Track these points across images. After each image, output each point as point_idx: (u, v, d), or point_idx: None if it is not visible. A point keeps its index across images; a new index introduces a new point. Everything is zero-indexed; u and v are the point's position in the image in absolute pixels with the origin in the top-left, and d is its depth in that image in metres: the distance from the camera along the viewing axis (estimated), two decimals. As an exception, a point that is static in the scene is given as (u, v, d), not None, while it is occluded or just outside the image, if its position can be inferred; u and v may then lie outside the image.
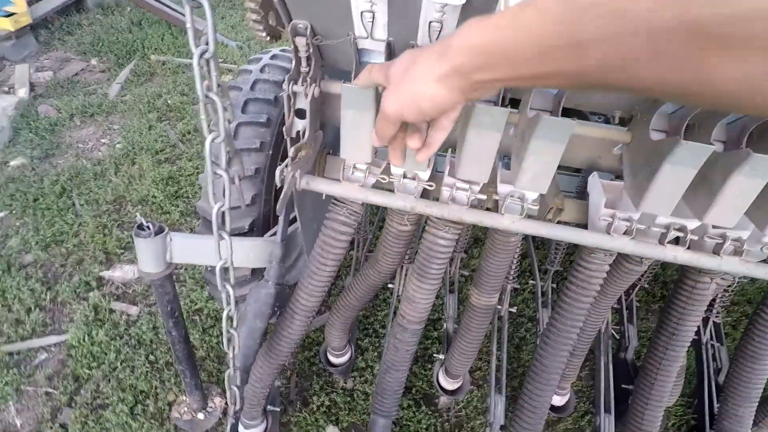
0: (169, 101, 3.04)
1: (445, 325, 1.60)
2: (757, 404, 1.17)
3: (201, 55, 0.56)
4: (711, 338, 1.46)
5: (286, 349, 1.13)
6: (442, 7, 0.69)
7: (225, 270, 0.81)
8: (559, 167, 1.27)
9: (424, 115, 0.54)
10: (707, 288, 0.99)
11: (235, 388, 0.96)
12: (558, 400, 1.39)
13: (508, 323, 1.53)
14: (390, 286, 1.60)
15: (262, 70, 1.27)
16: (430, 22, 0.72)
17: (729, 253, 0.89)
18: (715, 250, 0.90)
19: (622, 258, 1.05)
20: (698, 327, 1.48)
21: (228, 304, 0.83)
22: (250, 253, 1.08)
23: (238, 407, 1.00)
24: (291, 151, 0.80)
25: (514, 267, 1.44)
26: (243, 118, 1.16)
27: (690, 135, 0.87)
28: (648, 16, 0.33)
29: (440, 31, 0.73)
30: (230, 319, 0.85)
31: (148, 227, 0.99)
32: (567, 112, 1.32)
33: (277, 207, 0.86)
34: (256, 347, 1.02)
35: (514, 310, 1.52)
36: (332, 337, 1.36)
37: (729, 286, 1.41)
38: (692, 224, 0.88)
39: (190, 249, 1.03)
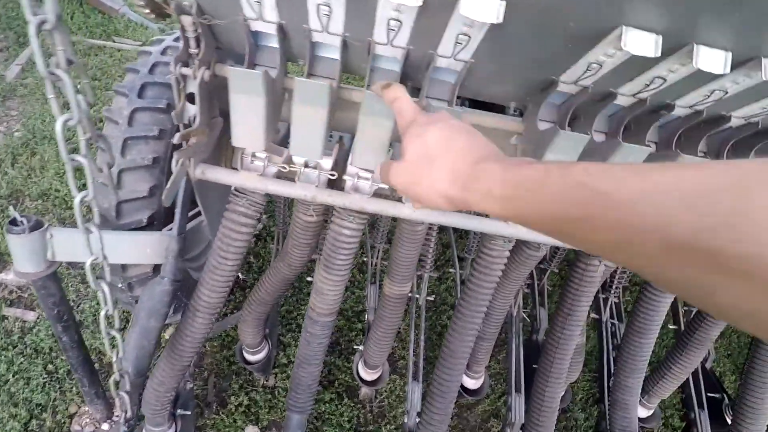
0: (77, 86, 2.78)
1: (367, 316, 1.60)
2: (644, 375, 1.27)
3: (39, 26, 0.50)
4: (611, 317, 1.58)
5: (189, 349, 1.07)
6: (398, 6, 0.66)
7: (98, 266, 0.75)
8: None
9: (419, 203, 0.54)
10: (596, 270, 1.06)
11: (124, 395, 0.90)
12: (472, 384, 1.44)
13: (427, 311, 1.56)
14: (310, 279, 1.58)
15: (163, 52, 1.19)
16: (389, 20, 0.70)
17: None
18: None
19: (522, 244, 1.10)
20: (599, 306, 1.60)
21: (105, 303, 0.76)
22: (146, 248, 1.01)
23: (129, 415, 0.93)
24: (176, 138, 0.75)
25: (431, 256, 1.46)
26: (139, 102, 1.08)
27: (575, 125, 0.92)
28: (667, 229, 0.29)
29: (398, 31, 0.71)
30: (108, 318, 0.78)
31: (22, 222, 0.89)
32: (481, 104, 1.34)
33: (163, 198, 0.81)
34: (152, 348, 0.96)
35: (432, 298, 1.55)
36: (246, 334, 1.32)
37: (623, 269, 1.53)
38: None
39: (74, 245, 0.94)
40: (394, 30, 0.72)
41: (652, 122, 0.85)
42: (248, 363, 1.42)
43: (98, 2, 3.36)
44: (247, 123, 0.76)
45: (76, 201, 0.66)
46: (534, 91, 0.86)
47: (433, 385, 1.16)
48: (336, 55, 0.80)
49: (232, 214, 0.96)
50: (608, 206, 0.32)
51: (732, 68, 0.65)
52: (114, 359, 0.83)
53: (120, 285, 1.15)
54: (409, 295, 1.51)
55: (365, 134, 0.77)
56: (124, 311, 1.70)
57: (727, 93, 0.74)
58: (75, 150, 0.72)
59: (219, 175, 0.90)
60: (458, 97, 1.08)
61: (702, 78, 0.71)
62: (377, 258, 1.73)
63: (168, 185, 0.79)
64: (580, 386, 1.75)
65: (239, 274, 1.77)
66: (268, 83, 0.75)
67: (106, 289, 0.74)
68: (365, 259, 1.70)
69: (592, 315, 1.59)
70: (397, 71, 0.81)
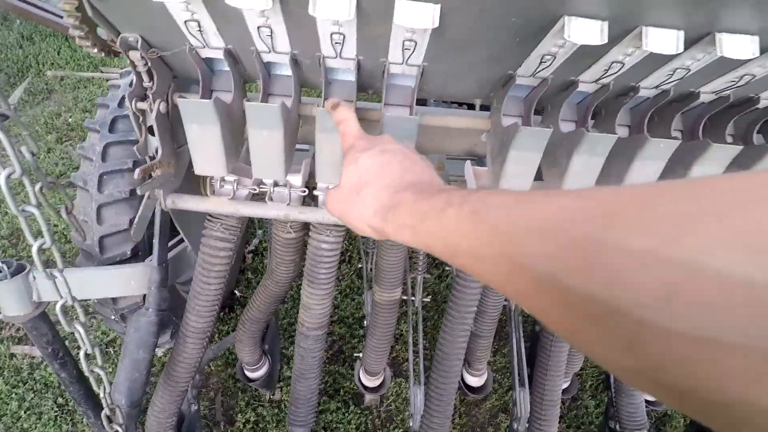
0: (70, 120, 2.83)
1: (365, 322, 1.60)
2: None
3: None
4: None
5: (184, 374, 1.08)
6: (335, 20, 0.65)
7: (69, 308, 0.75)
8: (451, 156, 1.29)
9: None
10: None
11: (118, 428, 0.91)
12: (475, 381, 1.43)
13: (428, 311, 1.56)
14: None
15: (131, 85, 1.19)
16: (332, 34, 0.69)
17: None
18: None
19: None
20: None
21: (83, 342, 0.77)
22: (130, 280, 1.02)
23: (126, 446, 0.95)
24: (136, 173, 0.76)
25: (422, 258, 1.45)
26: (111, 137, 1.09)
27: (544, 117, 0.90)
28: (535, 264, 0.27)
29: (343, 44, 0.70)
30: (88, 357, 0.79)
31: (2, 268, 0.91)
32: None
33: (132, 232, 0.81)
34: (143, 379, 0.97)
35: (428, 299, 1.54)
36: (243, 353, 1.32)
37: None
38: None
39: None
40: (339, 43, 0.71)
41: (620, 107, 0.83)
42: (250, 380, 1.43)
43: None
44: (206, 151, 0.76)
45: (34, 249, 0.67)
46: (495, 87, 0.85)
47: (430, 387, 1.15)
48: (289, 72, 0.79)
49: (208, 239, 0.96)
50: (493, 238, 0.30)
51: (687, 46, 0.63)
52: (102, 395, 0.83)
53: (113, 317, 1.16)
54: (404, 298, 1.50)
55: (323, 150, 0.76)
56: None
57: (689, 71, 0.72)
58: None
59: (189, 203, 0.90)
60: (428, 100, 1.06)
61: (661, 58, 0.69)
62: (372, 264, 1.72)
63: (136, 220, 0.79)
64: (589, 373, 1.73)
65: (236, 292, 1.78)
66: (221, 110, 0.75)
67: (81, 330, 0.74)
68: (361, 266, 1.70)
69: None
70: (352, 81, 0.81)
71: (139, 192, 0.76)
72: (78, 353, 0.81)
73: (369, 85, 0.88)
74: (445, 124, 0.89)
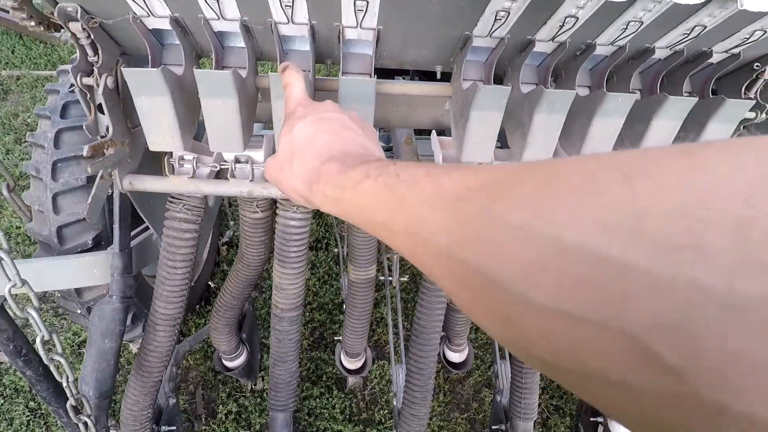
0: (28, 120, 2.73)
1: (344, 306, 1.59)
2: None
3: None
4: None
5: (157, 364, 1.05)
6: None
7: (21, 296, 0.72)
8: (418, 132, 1.28)
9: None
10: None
11: (87, 419, 0.88)
12: (457, 357, 1.43)
13: (408, 293, 1.55)
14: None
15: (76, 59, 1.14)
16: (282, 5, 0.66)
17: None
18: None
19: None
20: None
21: (39, 328, 0.74)
22: (93, 269, 0.99)
23: (97, 438, 0.92)
24: (85, 151, 0.72)
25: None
26: (63, 123, 1.04)
27: (505, 82, 0.90)
28: (434, 238, 0.27)
29: (293, 8, 0.68)
30: (46, 344, 0.76)
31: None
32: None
33: (85, 215, 0.78)
34: (112, 369, 0.94)
35: (406, 279, 1.54)
36: (219, 342, 1.30)
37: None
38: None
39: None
40: (289, 6, 0.69)
41: (578, 66, 0.83)
42: (228, 370, 1.40)
43: (36, 33, 3.27)
44: (159, 125, 0.73)
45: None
46: (454, 52, 0.84)
47: (410, 363, 1.15)
48: (241, 43, 0.77)
49: (171, 221, 0.93)
50: (402, 211, 0.30)
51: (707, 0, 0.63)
52: (65, 384, 0.81)
53: (78, 311, 1.12)
54: (382, 278, 1.50)
55: (280, 120, 0.74)
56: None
57: (642, 23, 0.72)
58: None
59: (147, 183, 0.87)
60: (405, 71, 1.03)
61: (613, 10, 0.69)
62: (346, 247, 1.71)
63: (89, 201, 0.76)
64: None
65: (211, 284, 1.75)
66: (171, 81, 0.72)
67: (34, 314, 0.71)
68: (336, 250, 1.69)
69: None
70: (308, 50, 0.79)
71: (89, 171, 0.73)
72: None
73: (327, 55, 0.86)
74: (406, 91, 0.88)
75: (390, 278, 1.49)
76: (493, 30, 0.74)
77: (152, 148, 0.78)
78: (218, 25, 0.75)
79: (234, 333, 1.32)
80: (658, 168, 0.19)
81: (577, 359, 0.19)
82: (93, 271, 0.99)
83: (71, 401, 0.82)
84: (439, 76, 0.93)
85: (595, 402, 0.20)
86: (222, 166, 0.89)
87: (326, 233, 1.96)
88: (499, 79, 0.94)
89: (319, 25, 0.75)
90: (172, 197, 0.93)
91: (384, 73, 1.50)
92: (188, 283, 1.00)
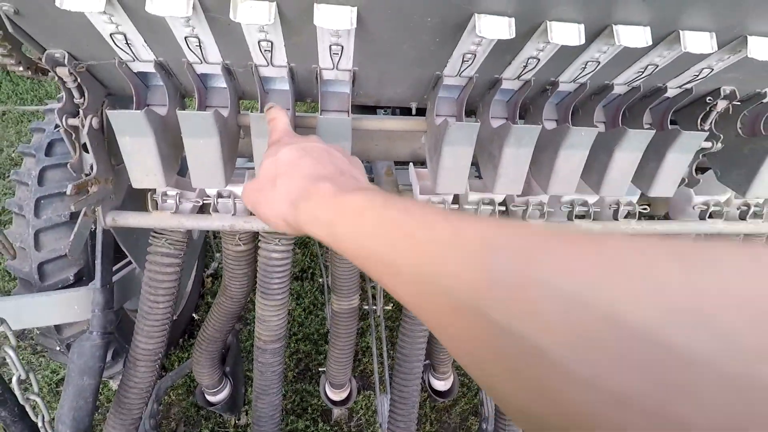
0: (13, 155, 2.72)
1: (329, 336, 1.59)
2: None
3: None
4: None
5: (137, 401, 1.04)
6: (260, 27, 0.66)
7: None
8: (398, 163, 1.32)
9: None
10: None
11: (62, 459, 0.86)
12: (441, 385, 1.43)
13: (393, 321, 1.56)
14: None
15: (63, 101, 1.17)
16: (259, 41, 0.70)
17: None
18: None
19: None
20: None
21: (15, 367, 0.74)
22: (73, 305, 0.98)
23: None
24: (69, 189, 0.74)
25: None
26: (48, 161, 1.06)
27: (477, 118, 0.94)
28: (453, 286, 0.25)
29: (272, 52, 0.71)
30: (21, 383, 0.75)
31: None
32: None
33: (68, 251, 0.79)
34: (90, 407, 0.93)
35: (390, 307, 1.55)
36: (201, 375, 1.28)
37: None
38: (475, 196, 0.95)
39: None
40: (268, 51, 0.73)
41: (544, 102, 0.88)
42: (211, 404, 1.38)
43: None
44: (142, 163, 0.76)
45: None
46: (427, 90, 0.88)
47: (393, 392, 1.15)
48: (223, 83, 0.80)
49: (154, 256, 0.94)
50: (412, 251, 0.28)
51: (590, 39, 0.69)
52: (40, 425, 0.79)
53: (57, 348, 1.11)
54: (366, 308, 1.51)
55: (259, 157, 0.77)
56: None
57: (599, 63, 0.77)
58: None
59: (131, 219, 0.89)
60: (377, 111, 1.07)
61: (571, 52, 0.74)
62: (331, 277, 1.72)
63: (71, 237, 0.78)
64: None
65: (195, 316, 1.73)
66: (154, 121, 0.75)
67: (11, 353, 0.71)
68: (321, 281, 1.69)
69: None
70: (288, 89, 0.82)
71: (72, 208, 0.75)
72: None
73: (306, 93, 0.90)
74: (383, 127, 0.92)
75: (374, 307, 1.50)
76: (461, 70, 0.78)
77: (135, 185, 0.80)
78: (201, 68, 0.78)
79: (217, 366, 1.31)
80: (722, 263, 0.19)
81: None
82: (73, 307, 0.99)
83: (47, 442, 0.81)
84: (414, 111, 0.98)
85: None
86: (205, 201, 0.91)
87: (311, 263, 1.97)
88: (472, 113, 0.99)
89: (297, 67, 0.79)
90: (156, 232, 0.94)
91: (366, 107, 1.55)
92: (170, 317, 1.00)
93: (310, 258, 1.98)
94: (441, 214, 0.30)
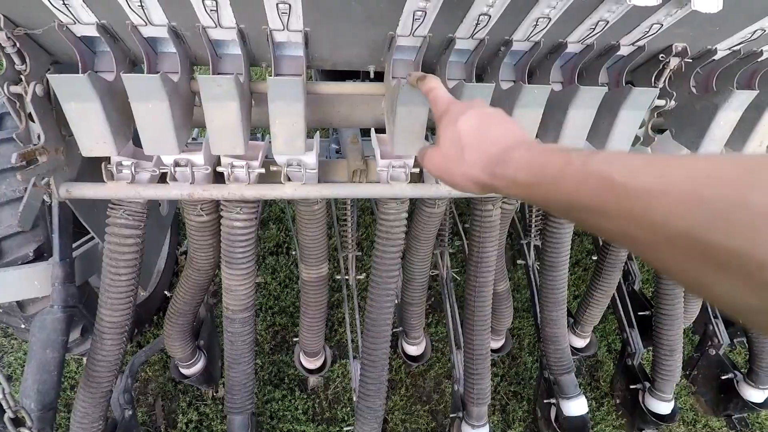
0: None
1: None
2: (565, 306, 1.33)
3: None
4: (536, 260, 1.64)
5: (106, 374, 1.04)
6: None
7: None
8: (365, 131, 1.31)
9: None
10: (491, 215, 1.10)
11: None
12: (414, 350, 1.46)
13: (365, 290, 1.58)
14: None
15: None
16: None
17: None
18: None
19: (419, 203, 1.12)
20: (524, 251, 1.66)
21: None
22: (33, 281, 0.97)
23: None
24: (13, 158, 0.72)
25: (351, 236, 1.47)
26: (1, 134, 1.03)
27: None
28: (670, 221, 0.30)
29: (218, 12, 0.69)
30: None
31: None
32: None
33: (18, 222, 0.78)
34: (54, 380, 0.93)
35: (362, 277, 1.57)
36: (174, 349, 1.29)
37: (531, 210, 1.59)
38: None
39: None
40: (214, 10, 0.71)
41: (499, 63, 0.88)
42: (186, 377, 1.39)
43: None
44: (89, 130, 0.74)
45: None
46: (382, 51, 0.88)
47: (363, 356, 1.17)
48: (172, 48, 0.78)
49: (113, 228, 0.93)
50: (621, 197, 0.33)
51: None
52: (1, 397, 0.79)
53: (23, 326, 1.10)
54: (338, 277, 1.52)
55: (213, 120, 0.76)
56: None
57: (550, 19, 0.78)
58: None
59: (85, 190, 0.87)
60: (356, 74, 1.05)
61: (522, 7, 0.74)
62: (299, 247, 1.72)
63: (21, 208, 0.76)
64: (526, 332, 1.82)
65: (167, 293, 1.73)
66: (100, 86, 0.73)
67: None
68: (294, 253, 1.70)
69: (518, 261, 1.65)
70: (239, 54, 0.81)
71: (19, 178, 0.73)
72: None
73: (261, 58, 0.88)
74: (339, 91, 0.91)
75: (347, 277, 1.51)
76: (414, 29, 0.78)
77: (85, 153, 0.78)
78: (147, 31, 0.76)
79: (189, 340, 1.31)
80: None
81: None
82: (33, 282, 0.98)
83: (9, 413, 0.81)
84: (372, 75, 0.97)
85: None
86: (162, 170, 0.90)
87: (286, 237, 1.97)
88: (430, 70, 0.98)
89: (247, 28, 0.77)
90: (113, 203, 0.93)
91: (336, 75, 1.53)
92: (134, 289, 0.99)
93: (285, 233, 1.98)
94: (643, 161, 0.34)
